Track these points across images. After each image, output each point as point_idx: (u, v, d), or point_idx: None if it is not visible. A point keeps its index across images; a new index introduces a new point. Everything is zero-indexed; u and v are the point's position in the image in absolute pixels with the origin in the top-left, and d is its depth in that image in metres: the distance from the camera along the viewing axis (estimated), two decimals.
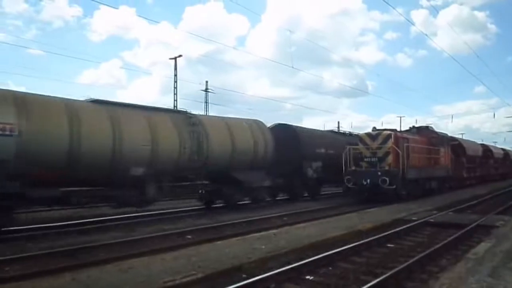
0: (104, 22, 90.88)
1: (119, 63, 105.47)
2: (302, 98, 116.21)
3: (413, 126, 23.09)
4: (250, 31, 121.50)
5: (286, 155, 17.65)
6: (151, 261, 6.96)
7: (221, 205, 16.30)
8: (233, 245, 8.26)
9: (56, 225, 11.60)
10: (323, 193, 22.19)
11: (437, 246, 8.33)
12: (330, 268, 7.09)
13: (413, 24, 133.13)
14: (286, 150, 17.80)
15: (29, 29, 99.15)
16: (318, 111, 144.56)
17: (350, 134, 25.61)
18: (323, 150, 20.20)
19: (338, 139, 22.43)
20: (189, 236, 10.27)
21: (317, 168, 19.56)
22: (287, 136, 18.70)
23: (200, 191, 15.94)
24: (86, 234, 10.37)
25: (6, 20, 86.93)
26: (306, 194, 20.53)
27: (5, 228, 10.00)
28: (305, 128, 21.46)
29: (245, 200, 16.77)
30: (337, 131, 24.18)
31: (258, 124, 17.58)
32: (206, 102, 42.20)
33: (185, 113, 14.73)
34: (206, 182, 15.83)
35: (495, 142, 58.66)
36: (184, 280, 5.82)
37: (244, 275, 6.36)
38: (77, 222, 12.04)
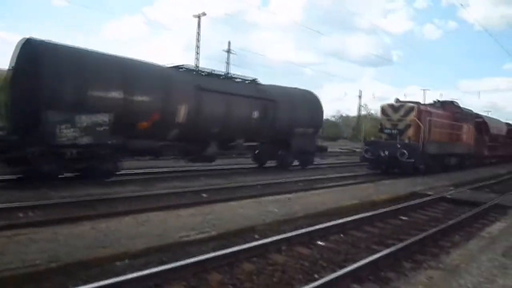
0: None
1: (141, 18, 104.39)
2: (325, 64, 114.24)
3: (438, 100, 22.54)
4: None
5: (20, 97, 10.56)
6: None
7: None
8: None
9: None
10: (131, 171, 13.51)
11: (451, 222, 8.29)
12: (342, 235, 7.17)
13: None
14: (22, 88, 10.51)
15: None
16: (340, 78, 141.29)
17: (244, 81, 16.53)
18: (115, 94, 11.26)
19: (174, 79, 13.22)
20: None
21: (97, 125, 10.79)
22: (26, 62, 10.62)
23: None
24: (106, 186, 10.66)
25: None
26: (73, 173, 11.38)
27: None
28: (71, 47, 11.25)
29: None
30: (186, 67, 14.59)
31: None
32: (227, 63, 41.81)
33: None
34: None
35: None
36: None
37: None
38: None
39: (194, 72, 14.95)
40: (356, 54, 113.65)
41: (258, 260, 5.51)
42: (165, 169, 15.06)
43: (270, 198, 9.73)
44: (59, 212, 7.64)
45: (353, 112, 65.59)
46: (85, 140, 10.71)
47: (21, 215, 7.46)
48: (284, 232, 6.69)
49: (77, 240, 5.47)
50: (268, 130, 16.25)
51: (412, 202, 10.32)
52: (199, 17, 36.52)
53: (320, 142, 20.59)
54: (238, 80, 16.63)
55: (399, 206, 9.67)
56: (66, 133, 10.34)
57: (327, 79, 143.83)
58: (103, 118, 10.99)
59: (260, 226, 7.07)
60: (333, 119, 64.06)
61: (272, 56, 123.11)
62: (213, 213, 7.63)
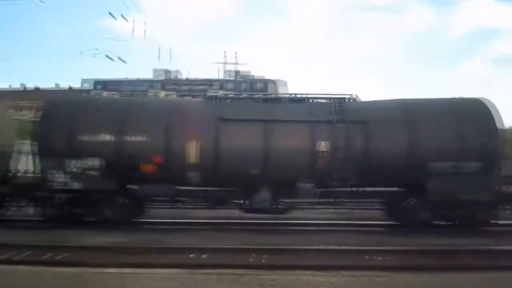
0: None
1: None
2: None
3: None
4: None
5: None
6: None
7: None
8: None
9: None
10: None
11: None
12: None
13: None
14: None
15: None
16: None
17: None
18: (105, 137, 11.22)
19: (179, 111, 11.66)
20: None
21: (87, 170, 11.06)
22: None
23: None
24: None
25: None
26: None
27: None
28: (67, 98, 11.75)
29: None
30: None
31: None
32: None
33: None
34: None
35: None
36: None
37: None
38: None
39: (218, 100, 12.18)
40: None
41: None
42: None
43: None
44: None
45: None
46: (75, 185, 10.91)
47: None
48: None
49: None
50: (351, 168, 10.91)
51: None
52: None
53: None
54: (319, 100, 12.17)
55: None
56: (57, 178, 10.86)
57: None
58: (93, 162, 10.89)
59: None
60: None
61: None
62: None
